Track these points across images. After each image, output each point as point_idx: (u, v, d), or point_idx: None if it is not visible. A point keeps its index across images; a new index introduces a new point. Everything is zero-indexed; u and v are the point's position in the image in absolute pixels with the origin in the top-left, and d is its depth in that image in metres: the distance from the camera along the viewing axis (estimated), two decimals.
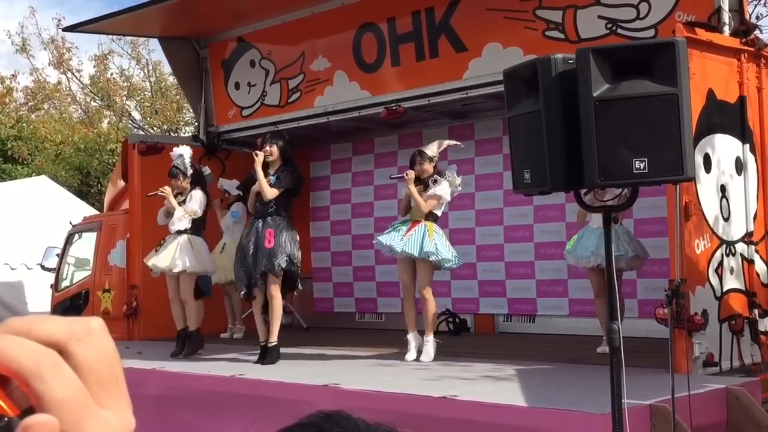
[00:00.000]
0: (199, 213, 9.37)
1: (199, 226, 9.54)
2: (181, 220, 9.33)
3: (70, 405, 0.63)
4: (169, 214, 9.43)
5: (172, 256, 9.26)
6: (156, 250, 9.59)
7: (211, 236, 10.40)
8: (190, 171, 9.46)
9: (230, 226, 11.21)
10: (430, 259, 8.27)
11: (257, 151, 8.65)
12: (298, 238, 8.78)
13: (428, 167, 8.43)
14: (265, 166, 8.68)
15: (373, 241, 8.64)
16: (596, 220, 8.30)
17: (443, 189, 8.36)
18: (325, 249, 12.98)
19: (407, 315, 8.52)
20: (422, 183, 8.44)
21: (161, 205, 9.63)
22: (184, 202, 9.38)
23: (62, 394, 0.63)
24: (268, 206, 8.62)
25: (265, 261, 8.47)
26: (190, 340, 9.36)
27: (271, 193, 8.52)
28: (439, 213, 8.51)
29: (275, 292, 8.54)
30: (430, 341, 8.39)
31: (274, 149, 8.66)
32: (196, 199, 9.36)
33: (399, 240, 8.30)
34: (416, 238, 8.25)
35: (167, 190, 9.36)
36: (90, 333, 0.66)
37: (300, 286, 8.98)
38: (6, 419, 0.62)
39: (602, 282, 8.40)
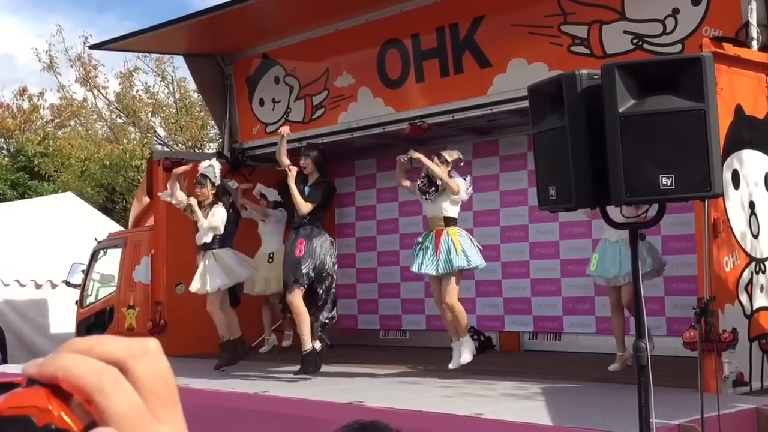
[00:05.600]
0: (221, 230, 9.40)
1: (225, 240, 9.57)
2: (206, 233, 9.36)
3: (130, 419, 0.66)
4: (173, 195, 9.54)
5: (203, 278, 9.37)
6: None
7: (252, 245, 10.56)
8: (218, 182, 9.51)
9: (269, 230, 11.16)
10: (463, 270, 8.36)
11: (291, 166, 8.81)
12: (329, 246, 8.86)
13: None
14: (303, 177, 8.87)
15: (411, 269, 8.70)
16: (611, 233, 8.15)
17: (462, 182, 8.41)
18: (350, 266, 12.93)
19: (448, 325, 8.52)
20: (434, 185, 8.45)
21: (187, 220, 9.64)
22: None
23: (123, 409, 0.66)
24: (302, 217, 8.83)
25: (291, 270, 8.67)
26: (226, 350, 9.46)
27: (305, 207, 8.72)
28: (456, 214, 8.51)
29: (295, 299, 8.66)
30: (465, 341, 8.43)
31: (309, 162, 8.87)
32: (219, 215, 9.39)
33: (432, 262, 8.32)
34: (444, 253, 8.27)
35: (193, 201, 9.39)
36: (147, 352, 0.70)
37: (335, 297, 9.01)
38: None
39: (619, 296, 8.31)
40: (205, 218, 9.33)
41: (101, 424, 0.66)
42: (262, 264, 10.77)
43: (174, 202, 9.58)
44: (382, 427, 0.94)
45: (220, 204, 9.48)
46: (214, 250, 9.42)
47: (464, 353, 8.37)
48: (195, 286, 9.45)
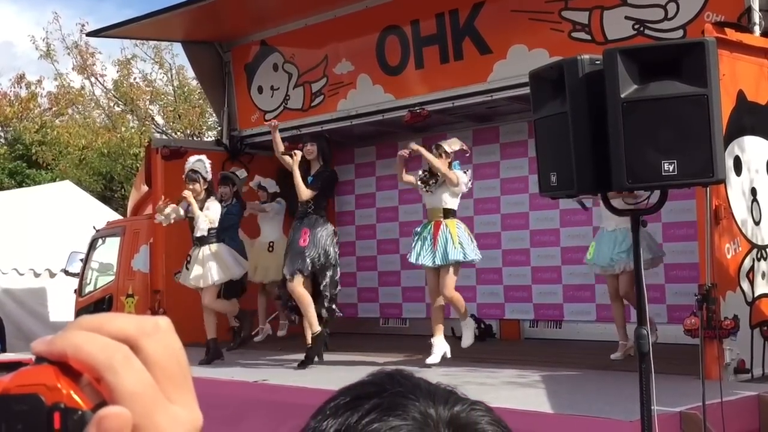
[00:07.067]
0: (216, 223, 9.41)
1: (227, 231, 9.62)
2: (204, 225, 9.36)
3: (141, 398, 0.65)
4: (169, 216, 9.54)
5: (200, 272, 9.37)
6: (187, 268, 9.63)
7: (252, 233, 10.88)
8: (209, 176, 9.49)
9: (269, 220, 11.17)
10: (459, 263, 8.38)
11: (296, 150, 8.80)
12: (333, 235, 8.88)
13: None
14: (306, 163, 8.83)
15: (408, 258, 8.71)
16: (608, 222, 8.15)
17: (462, 175, 8.38)
18: (350, 254, 12.90)
19: (435, 319, 8.47)
20: (434, 177, 8.41)
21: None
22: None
23: (134, 387, 0.65)
24: (306, 206, 8.82)
25: (295, 259, 8.65)
26: (209, 350, 9.43)
27: (305, 193, 8.71)
28: (455, 206, 8.50)
29: (297, 287, 8.67)
30: (468, 324, 8.58)
31: (314, 148, 8.84)
32: (214, 209, 9.42)
33: (429, 253, 8.34)
34: (441, 246, 8.28)
35: (188, 194, 9.36)
36: (159, 330, 0.68)
37: (339, 286, 9.04)
38: (80, 412, 0.64)
39: (617, 285, 8.30)
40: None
41: (111, 403, 0.64)
42: (262, 253, 10.79)
43: (174, 216, 9.59)
44: (406, 376, 0.97)
45: (213, 198, 9.51)
46: (210, 245, 9.41)
47: (465, 336, 8.54)
48: (195, 280, 9.40)
